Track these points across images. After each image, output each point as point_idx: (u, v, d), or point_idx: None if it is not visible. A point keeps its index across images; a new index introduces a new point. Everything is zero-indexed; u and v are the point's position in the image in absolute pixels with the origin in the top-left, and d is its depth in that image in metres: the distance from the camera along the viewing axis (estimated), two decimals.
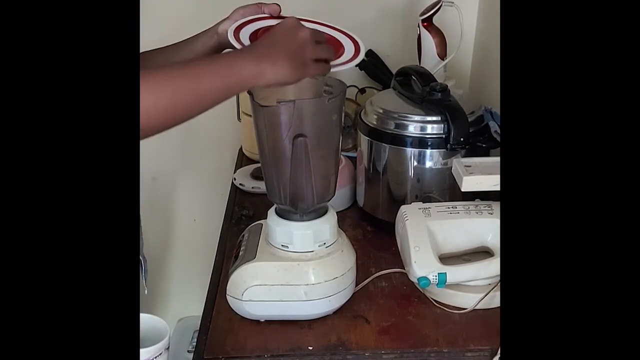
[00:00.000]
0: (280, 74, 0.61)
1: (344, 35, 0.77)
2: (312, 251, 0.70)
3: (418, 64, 1.13)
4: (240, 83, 0.61)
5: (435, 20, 1.12)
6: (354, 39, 0.76)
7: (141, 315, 0.65)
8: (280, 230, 0.70)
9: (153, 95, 0.53)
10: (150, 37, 1.05)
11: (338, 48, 0.73)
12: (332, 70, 0.69)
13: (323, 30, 0.76)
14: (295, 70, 0.62)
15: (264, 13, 0.79)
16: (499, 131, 0.84)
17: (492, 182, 0.72)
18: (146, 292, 0.85)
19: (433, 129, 0.84)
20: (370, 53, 1.26)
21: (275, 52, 0.62)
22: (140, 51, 0.62)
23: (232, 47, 0.70)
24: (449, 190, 0.85)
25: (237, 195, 1.05)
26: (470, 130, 0.83)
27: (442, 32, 1.12)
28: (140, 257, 0.83)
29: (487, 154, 0.83)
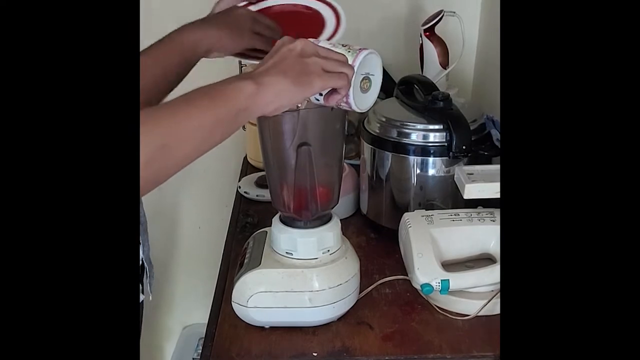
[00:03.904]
0: (279, 94, 0.55)
1: (320, 3, 0.75)
2: (316, 258, 0.70)
3: (420, 73, 1.14)
4: (236, 111, 0.53)
5: (437, 29, 1.13)
6: (331, 5, 0.73)
7: None
8: (284, 237, 0.71)
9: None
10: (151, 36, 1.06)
11: (318, 21, 0.71)
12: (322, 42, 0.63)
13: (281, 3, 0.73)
14: (295, 84, 0.55)
15: None
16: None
17: (494, 190, 0.73)
18: (151, 298, 0.85)
19: (435, 137, 0.85)
20: None
21: (269, 72, 0.56)
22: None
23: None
24: (451, 198, 0.86)
25: (241, 203, 1.05)
26: (473, 139, 0.83)
27: (444, 42, 1.13)
28: (146, 262, 0.83)
29: (489, 162, 0.84)
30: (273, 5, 0.78)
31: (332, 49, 0.61)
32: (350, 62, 0.60)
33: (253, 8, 0.78)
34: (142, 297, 0.82)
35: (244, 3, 0.78)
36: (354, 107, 0.62)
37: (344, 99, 0.60)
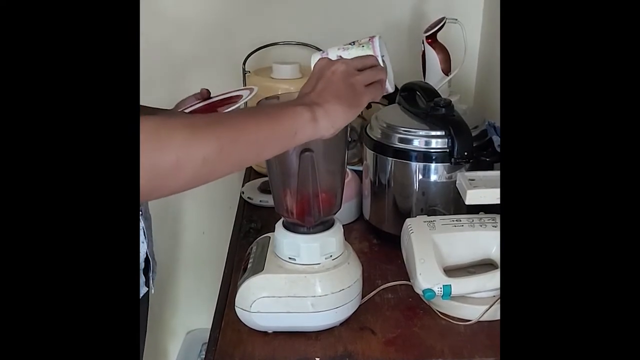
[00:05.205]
0: (336, 118, 0.58)
1: (244, 90, 0.88)
2: (318, 263, 0.71)
3: (422, 79, 1.15)
4: (294, 132, 0.55)
5: (439, 36, 1.14)
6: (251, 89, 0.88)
7: None
8: (287, 242, 0.71)
9: (191, 149, 0.49)
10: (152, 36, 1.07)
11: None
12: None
13: (221, 97, 0.87)
14: (349, 106, 0.59)
15: (198, 99, 0.87)
16: None
17: (495, 195, 0.73)
18: (153, 291, 0.86)
19: (437, 143, 0.85)
20: None
21: (323, 97, 0.58)
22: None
23: None
24: (453, 204, 0.87)
25: (245, 208, 1.06)
26: (474, 145, 0.84)
27: (446, 48, 1.14)
28: (150, 257, 0.84)
29: (490, 168, 0.84)
30: (213, 101, 0.89)
31: (350, 54, 0.67)
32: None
33: (200, 104, 0.88)
34: (144, 289, 0.84)
35: (198, 102, 0.88)
36: (390, 90, 0.69)
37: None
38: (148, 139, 0.45)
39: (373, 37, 0.71)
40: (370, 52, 0.69)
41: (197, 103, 0.89)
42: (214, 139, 0.51)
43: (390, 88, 0.69)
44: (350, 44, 0.71)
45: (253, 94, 0.85)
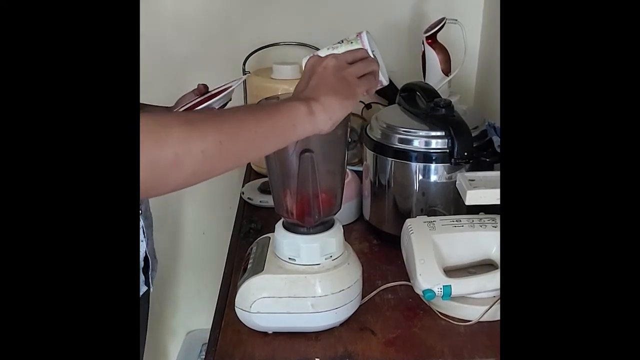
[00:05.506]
0: (333, 111, 0.58)
1: (236, 81, 0.88)
2: (318, 264, 0.71)
3: (422, 80, 1.15)
4: (292, 127, 0.56)
5: (439, 37, 1.14)
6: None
7: None
8: (287, 243, 0.71)
9: (190, 144, 0.49)
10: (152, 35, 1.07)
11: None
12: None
13: (216, 91, 0.88)
14: (345, 98, 0.59)
15: (197, 95, 0.89)
16: None
17: (495, 196, 0.73)
18: (152, 289, 0.86)
19: (437, 143, 0.85)
20: None
21: (317, 92, 0.59)
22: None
23: None
24: (453, 204, 0.87)
25: (245, 209, 1.06)
26: (474, 145, 0.84)
27: (446, 49, 1.14)
28: (150, 256, 0.85)
29: (490, 168, 0.84)
30: (209, 95, 0.90)
31: (340, 52, 0.66)
32: None
33: (197, 100, 0.90)
34: (144, 288, 0.84)
35: (195, 97, 0.90)
36: (384, 83, 0.69)
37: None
38: (146, 135, 0.45)
39: (360, 32, 0.71)
40: (359, 47, 0.70)
41: (196, 99, 0.90)
42: (213, 133, 0.51)
43: (384, 81, 0.69)
44: (338, 42, 0.71)
45: (243, 79, 0.87)
